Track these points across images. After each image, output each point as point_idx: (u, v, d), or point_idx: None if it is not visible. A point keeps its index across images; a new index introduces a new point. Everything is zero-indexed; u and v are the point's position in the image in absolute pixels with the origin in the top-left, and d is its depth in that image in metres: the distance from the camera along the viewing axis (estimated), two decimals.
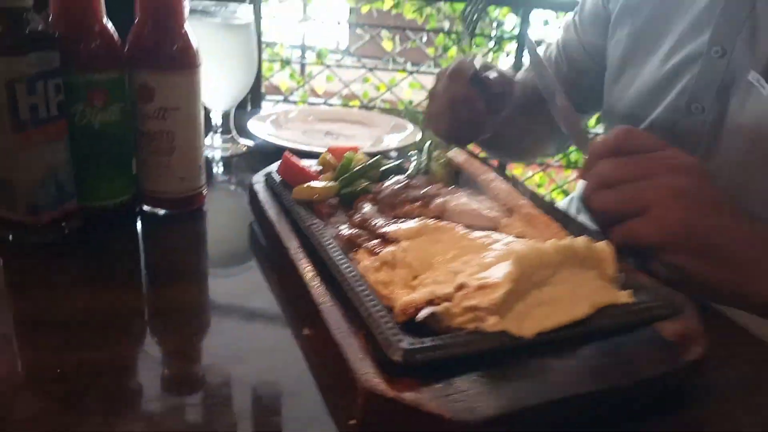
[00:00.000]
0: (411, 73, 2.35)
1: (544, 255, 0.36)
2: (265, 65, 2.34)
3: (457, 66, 0.73)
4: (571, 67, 0.86)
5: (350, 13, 2.64)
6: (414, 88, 2.47)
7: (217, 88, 0.72)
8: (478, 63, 0.72)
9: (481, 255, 0.40)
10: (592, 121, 2.12)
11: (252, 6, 0.75)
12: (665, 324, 0.37)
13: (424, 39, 2.38)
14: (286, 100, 2.40)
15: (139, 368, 0.38)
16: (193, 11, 0.65)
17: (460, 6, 2.28)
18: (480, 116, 0.71)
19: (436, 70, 2.36)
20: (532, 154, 1.07)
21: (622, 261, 0.40)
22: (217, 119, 0.78)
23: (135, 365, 0.38)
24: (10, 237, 0.48)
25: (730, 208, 0.45)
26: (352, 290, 0.37)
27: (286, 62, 2.39)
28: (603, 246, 0.40)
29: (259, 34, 1.85)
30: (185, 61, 0.53)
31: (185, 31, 0.53)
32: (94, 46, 0.48)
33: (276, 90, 2.41)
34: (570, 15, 0.89)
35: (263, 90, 2.36)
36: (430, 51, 2.36)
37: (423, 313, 0.34)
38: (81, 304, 0.42)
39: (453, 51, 2.37)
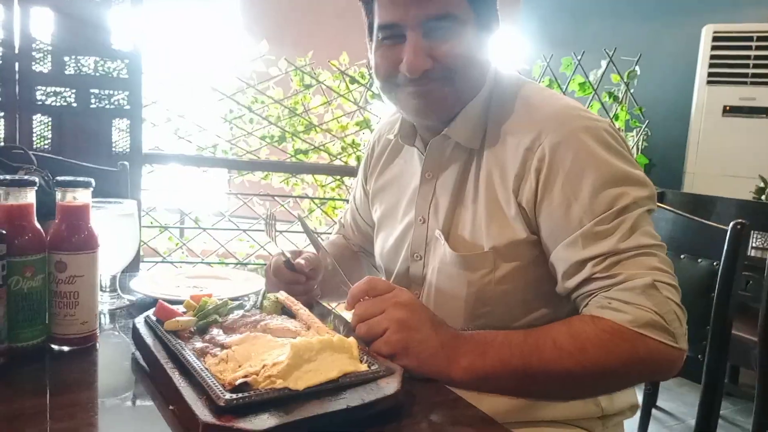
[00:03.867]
0: (281, 232, 2.70)
1: (309, 344, 0.65)
2: (144, 231, 2.56)
3: (274, 263, 1.02)
4: (360, 232, 1.24)
5: (227, 183, 3.00)
6: (285, 245, 2.81)
7: (109, 259, 0.98)
8: (287, 254, 1.01)
9: (279, 350, 0.68)
10: None
11: (135, 201, 1.04)
12: (385, 378, 0.67)
13: (291, 204, 2.77)
14: (164, 261, 2.61)
15: None
16: (94, 205, 0.92)
17: (320, 178, 2.72)
18: (301, 290, 1.00)
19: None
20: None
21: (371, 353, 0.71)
22: (106, 281, 1.02)
23: None
24: None
25: (430, 324, 0.78)
26: (200, 375, 0.63)
27: (164, 227, 2.64)
28: (351, 340, 0.69)
29: (139, 214, 2.11)
30: (89, 245, 0.79)
31: (90, 225, 0.80)
32: (27, 239, 0.74)
33: (154, 252, 2.62)
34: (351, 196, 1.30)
35: (142, 253, 2.56)
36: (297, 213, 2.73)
37: (238, 381, 0.61)
38: None
39: (317, 213, 2.76)
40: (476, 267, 0.89)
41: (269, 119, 2.66)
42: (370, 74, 2.62)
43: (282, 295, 0.88)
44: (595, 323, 0.77)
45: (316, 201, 2.75)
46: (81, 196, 0.80)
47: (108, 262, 1.00)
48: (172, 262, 2.70)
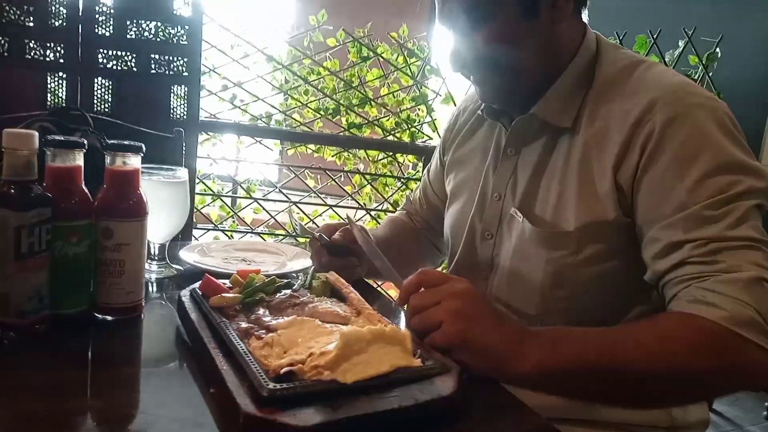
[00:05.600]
0: (331, 206, 2.66)
1: (360, 334, 0.60)
2: (198, 198, 2.58)
3: (314, 251, 1.00)
4: (429, 206, 1.18)
5: (279, 155, 2.99)
6: (333, 219, 2.78)
7: (157, 227, 0.95)
8: (323, 237, 0.97)
9: (328, 337, 0.63)
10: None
11: (187, 169, 1.01)
12: (441, 377, 0.61)
13: (342, 178, 2.72)
14: (216, 228, 2.63)
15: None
16: (145, 171, 0.90)
17: (373, 153, 2.67)
18: (346, 267, 0.95)
19: (353, 204, 2.70)
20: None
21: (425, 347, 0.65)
22: (155, 249, 1.00)
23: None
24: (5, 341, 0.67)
25: (491, 316, 0.70)
26: (243, 360, 0.59)
27: (217, 196, 2.65)
28: (404, 331, 0.63)
29: (193, 182, 2.12)
30: (136, 212, 0.76)
31: (139, 192, 0.77)
32: (73, 203, 0.71)
33: (207, 219, 2.64)
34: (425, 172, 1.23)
35: (194, 220, 2.59)
36: (347, 188, 2.69)
37: (283, 370, 0.56)
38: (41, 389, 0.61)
39: (368, 189, 2.71)
40: (557, 245, 0.83)
41: (324, 91, 2.61)
42: (428, 48, 2.52)
43: (332, 276, 0.83)
44: (685, 321, 0.68)
45: (368, 177, 2.69)
46: (131, 161, 0.77)
47: (157, 230, 0.97)
48: (223, 230, 2.71)
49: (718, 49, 2.62)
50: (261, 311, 0.71)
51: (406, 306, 0.75)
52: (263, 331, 0.66)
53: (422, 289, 0.73)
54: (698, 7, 3.09)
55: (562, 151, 0.86)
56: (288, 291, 0.77)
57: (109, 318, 0.76)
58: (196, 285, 0.79)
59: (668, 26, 2.69)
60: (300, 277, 0.84)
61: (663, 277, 0.75)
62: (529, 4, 0.80)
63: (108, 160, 0.76)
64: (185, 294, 0.78)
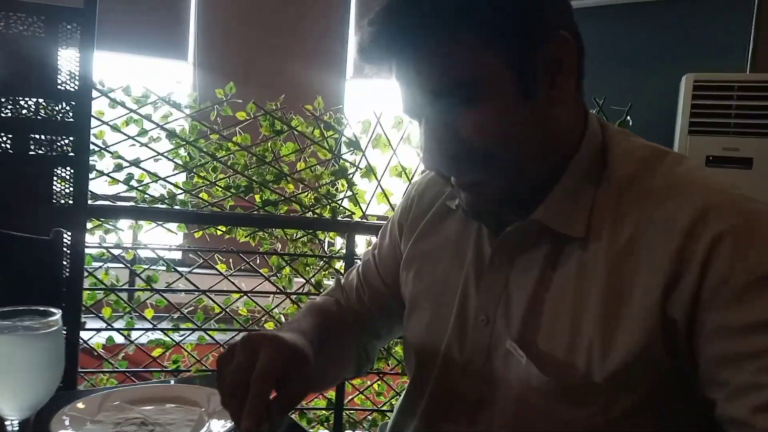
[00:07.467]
0: (246, 293, 2.40)
1: None
2: (86, 294, 2.22)
3: None
4: (371, 293, 0.95)
5: (183, 239, 2.70)
6: (249, 306, 2.50)
7: (19, 397, 0.67)
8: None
9: None
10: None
11: (58, 313, 0.70)
12: None
13: (257, 261, 2.48)
14: (110, 328, 2.27)
15: None
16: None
17: (291, 232, 2.46)
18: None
19: (271, 289, 2.44)
20: (334, 379, 1.08)
21: None
22: (13, 428, 0.69)
23: None
24: None
25: None
26: None
27: (110, 290, 2.30)
28: None
29: (81, 278, 1.80)
30: None
31: None
32: None
33: (97, 316, 2.27)
34: (369, 250, 1.00)
35: (83, 320, 2.22)
36: (263, 271, 2.45)
37: None
38: None
39: (287, 270, 2.48)
40: (581, 401, 0.64)
41: (235, 167, 2.39)
42: (346, 120, 2.41)
43: None
44: None
45: (286, 257, 2.47)
46: None
47: (18, 402, 0.69)
48: (118, 330, 2.35)
49: (628, 117, 2.73)
50: None
51: None
52: None
53: None
54: (608, 77, 3.25)
55: (572, 266, 0.67)
56: None
57: None
58: None
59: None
60: None
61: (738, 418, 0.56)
62: (528, 80, 0.64)
63: None
64: None
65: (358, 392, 2.48)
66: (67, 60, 1.82)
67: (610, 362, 0.62)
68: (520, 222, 0.70)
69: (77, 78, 1.84)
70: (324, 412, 2.43)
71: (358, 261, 2.24)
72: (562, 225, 0.68)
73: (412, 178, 2.32)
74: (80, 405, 0.83)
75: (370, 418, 2.52)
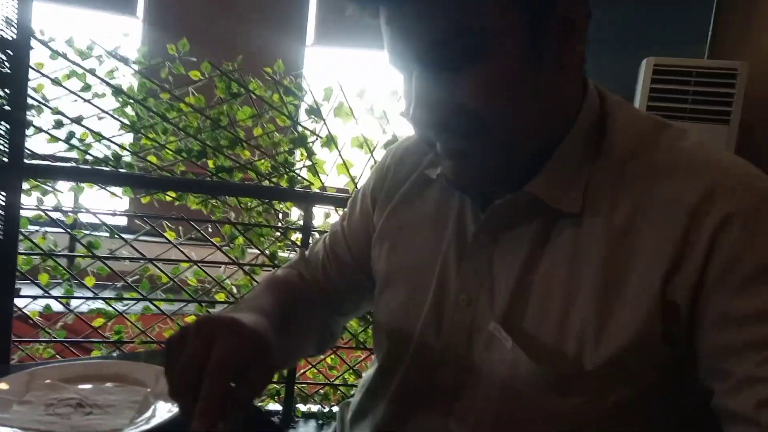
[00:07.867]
0: (196, 263, 2.29)
1: None
2: (21, 258, 2.07)
3: None
4: (338, 267, 0.86)
5: (129, 204, 2.55)
6: (198, 276, 2.40)
7: None
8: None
9: None
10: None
11: None
12: None
13: (210, 230, 2.37)
14: (47, 295, 2.12)
15: None
16: None
17: (245, 200, 2.36)
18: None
19: (223, 259, 2.34)
20: (295, 360, 1.00)
21: None
22: None
23: None
24: None
25: None
26: None
27: (47, 255, 2.15)
28: None
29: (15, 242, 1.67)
30: None
31: None
32: None
33: (35, 283, 2.13)
34: (337, 222, 0.91)
35: (18, 286, 2.07)
36: (216, 240, 2.34)
37: None
38: None
39: (240, 240, 2.39)
40: (573, 390, 0.59)
41: (187, 130, 2.26)
42: (307, 86, 2.31)
43: None
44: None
45: (240, 227, 2.37)
46: None
47: None
48: (56, 297, 2.21)
49: None
50: None
51: None
52: None
53: None
54: None
55: (564, 245, 0.61)
56: None
57: None
58: None
59: None
60: None
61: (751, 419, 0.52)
62: (541, 37, 0.56)
63: None
64: None
65: (310, 366, 2.43)
66: (3, 4, 1.65)
67: (603, 348, 0.57)
68: (511, 195, 0.63)
69: (15, 24, 1.67)
70: (275, 385, 2.36)
71: (316, 234, 2.21)
72: (556, 199, 0.61)
73: (373, 151, 2.25)
74: (3, 385, 0.72)
75: (321, 392, 2.48)
